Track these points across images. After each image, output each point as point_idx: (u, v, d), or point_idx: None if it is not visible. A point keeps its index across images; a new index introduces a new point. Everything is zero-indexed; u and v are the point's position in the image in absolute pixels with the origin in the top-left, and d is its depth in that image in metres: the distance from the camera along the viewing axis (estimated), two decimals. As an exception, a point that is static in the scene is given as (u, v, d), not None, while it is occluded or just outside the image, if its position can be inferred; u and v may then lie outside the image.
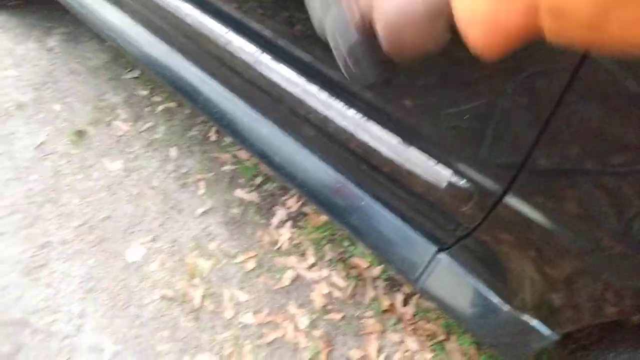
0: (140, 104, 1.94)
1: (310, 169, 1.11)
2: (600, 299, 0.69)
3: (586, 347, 0.86)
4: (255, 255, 1.46)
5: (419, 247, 0.95)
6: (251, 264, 1.44)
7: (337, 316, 1.33)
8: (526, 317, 0.82)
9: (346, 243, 1.48)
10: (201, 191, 1.63)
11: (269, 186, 1.66)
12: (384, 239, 1.00)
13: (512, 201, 0.68)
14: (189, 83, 1.32)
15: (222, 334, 1.29)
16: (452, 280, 0.92)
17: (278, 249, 1.48)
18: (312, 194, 1.11)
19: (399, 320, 1.32)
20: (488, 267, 0.86)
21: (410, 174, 0.81)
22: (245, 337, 1.28)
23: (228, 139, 1.80)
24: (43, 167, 1.68)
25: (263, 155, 1.18)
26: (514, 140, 0.63)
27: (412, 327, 1.30)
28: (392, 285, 1.39)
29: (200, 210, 1.57)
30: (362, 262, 1.43)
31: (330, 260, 1.44)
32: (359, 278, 1.40)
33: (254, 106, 1.17)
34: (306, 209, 1.58)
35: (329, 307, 1.35)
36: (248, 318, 1.32)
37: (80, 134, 1.80)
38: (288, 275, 1.41)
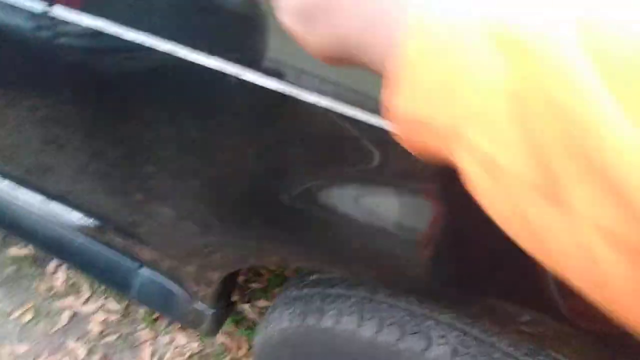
0: None
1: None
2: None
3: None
4: (32, 306, 1.55)
5: (126, 267, 1.15)
6: (29, 315, 1.53)
7: (113, 337, 1.48)
8: (196, 302, 1.06)
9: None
10: (-28, 260, 1.67)
11: (43, 236, 1.74)
12: (100, 267, 1.18)
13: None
14: None
15: (1, 389, 1.39)
16: (153, 286, 1.13)
17: (54, 293, 1.59)
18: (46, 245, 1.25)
19: (170, 323, 1.51)
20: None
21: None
22: (26, 384, 1.39)
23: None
24: None
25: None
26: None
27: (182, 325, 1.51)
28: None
29: (-26, 279, 1.62)
30: (134, 283, 1.60)
31: (104, 289, 1.59)
32: (132, 297, 1.57)
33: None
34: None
35: (106, 331, 1.50)
36: (27, 367, 1.43)
37: None
38: (65, 315, 1.53)
